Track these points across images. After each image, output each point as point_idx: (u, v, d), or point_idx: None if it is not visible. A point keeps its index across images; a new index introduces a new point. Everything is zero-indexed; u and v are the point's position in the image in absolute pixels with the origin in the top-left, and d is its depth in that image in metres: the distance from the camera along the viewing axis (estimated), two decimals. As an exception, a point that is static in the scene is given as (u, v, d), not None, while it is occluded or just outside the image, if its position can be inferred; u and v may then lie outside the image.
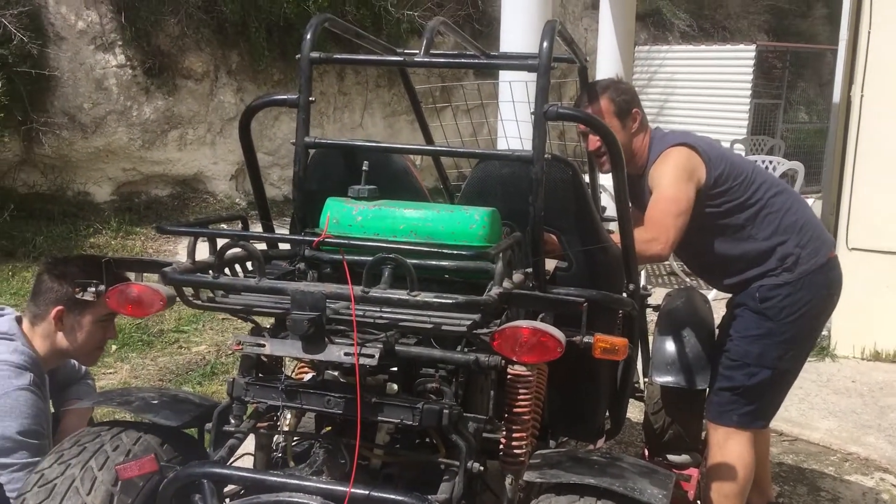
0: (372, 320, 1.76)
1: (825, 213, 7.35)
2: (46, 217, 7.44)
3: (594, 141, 2.71)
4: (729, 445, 2.79)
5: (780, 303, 2.74)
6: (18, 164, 7.54)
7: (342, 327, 1.83)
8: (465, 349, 1.90)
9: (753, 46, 10.99)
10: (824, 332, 5.08)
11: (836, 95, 8.42)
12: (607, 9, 8.40)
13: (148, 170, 8.37)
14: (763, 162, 6.20)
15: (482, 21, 10.32)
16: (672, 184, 2.64)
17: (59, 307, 2.38)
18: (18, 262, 6.58)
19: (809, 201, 6.34)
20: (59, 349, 2.42)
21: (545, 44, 1.96)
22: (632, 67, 9.42)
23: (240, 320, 2.07)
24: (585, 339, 1.77)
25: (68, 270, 2.37)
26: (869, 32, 5.09)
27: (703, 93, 10.78)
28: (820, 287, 2.78)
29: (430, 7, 9.71)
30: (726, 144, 9.00)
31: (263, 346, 1.75)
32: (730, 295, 2.95)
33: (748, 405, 2.78)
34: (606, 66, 8.55)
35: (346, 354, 1.67)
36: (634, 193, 2.77)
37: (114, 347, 4.95)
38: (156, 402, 2.01)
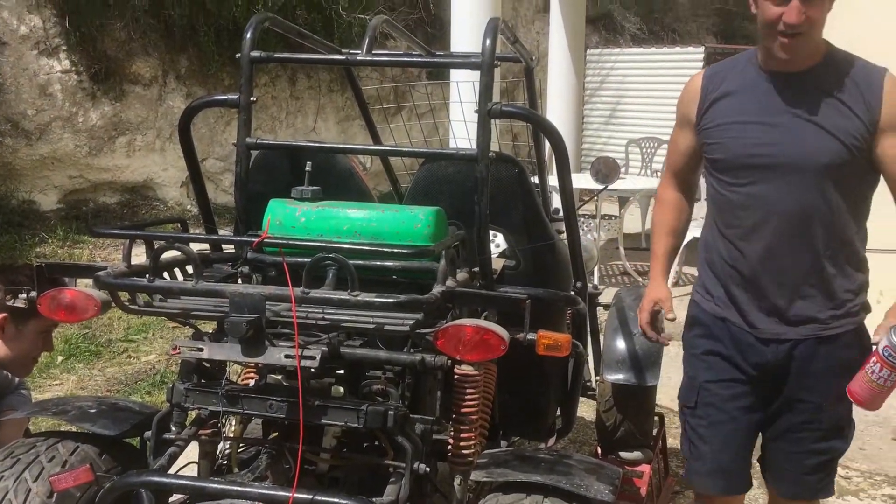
0: (314, 322, 1.73)
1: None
2: (-11, 226, 7.23)
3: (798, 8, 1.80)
4: None
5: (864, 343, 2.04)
6: (-41, 172, 7.33)
7: (284, 329, 1.80)
8: (412, 349, 1.89)
9: (702, 48, 11.16)
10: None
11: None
12: (557, 12, 8.48)
13: (95, 177, 8.19)
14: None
15: (434, 24, 10.31)
16: None
17: (3, 314, 2.32)
18: (-40, 273, 6.38)
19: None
20: None
21: (488, 41, 1.95)
22: (583, 70, 9.53)
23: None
24: (529, 336, 1.76)
25: (14, 279, 2.32)
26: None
27: (655, 94, 10.90)
28: None
29: (381, 10, 9.67)
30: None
31: (202, 350, 1.71)
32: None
33: (834, 472, 2.21)
34: (557, 68, 8.64)
35: (286, 357, 1.64)
36: (788, 96, 1.91)
37: (59, 358, 4.82)
38: (94, 411, 1.95)
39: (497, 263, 2.25)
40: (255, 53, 2.08)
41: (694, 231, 2.65)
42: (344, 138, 9.95)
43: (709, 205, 2.15)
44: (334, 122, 10.06)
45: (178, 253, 1.89)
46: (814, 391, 2.04)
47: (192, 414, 1.90)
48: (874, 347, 1.85)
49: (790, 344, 2.02)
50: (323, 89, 9.80)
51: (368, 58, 2.09)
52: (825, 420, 2.07)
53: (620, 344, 2.89)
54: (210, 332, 2.01)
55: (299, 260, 1.79)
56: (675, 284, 6.16)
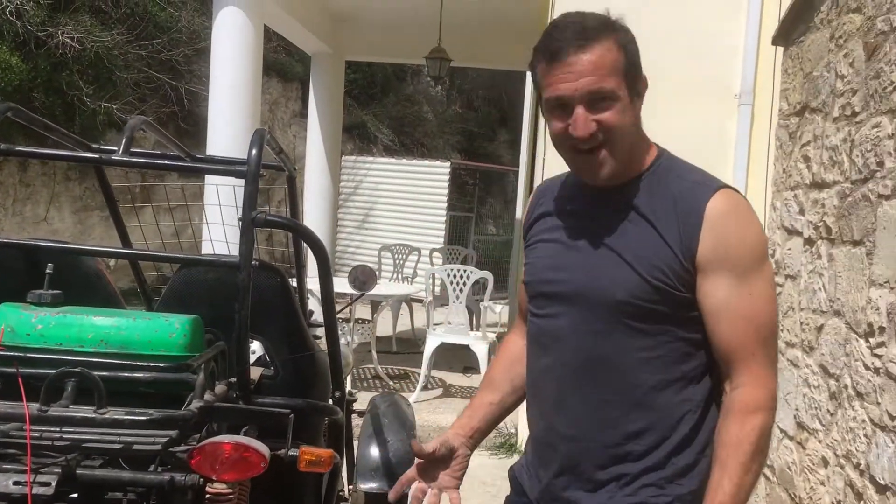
0: (50, 442, 1.56)
1: (511, 320, 8.04)
2: None
3: (585, 124, 1.39)
4: None
5: None
6: None
7: (10, 451, 1.60)
8: (160, 467, 1.76)
9: (448, 163, 11.96)
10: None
11: (518, 211, 9.39)
12: (315, 118, 8.71)
13: None
14: (458, 271, 6.66)
15: (188, 120, 10.10)
16: (771, 284, 1.47)
17: None
18: None
19: (497, 308, 6.89)
20: None
21: (254, 151, 1.97)
22: (339, 175, 9.78)
23: None
24: (291, 452, 1.73)
25: None
26: (544, 158, 5.80)
27: (406, 202, 11.44)
28: None
29: (130, 101, 9.32)
30: (426, 254, 9.61)
31: None
32: None
33: None
34: (314, 171, 8.80)
35: (15, 484, 1.46)
36: (594, 216, 1.51)
37: None
38: None
39: (254, 373, 2.20)
40: None
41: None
42: (81, 230, 9.27)
43: None
44: (70, 213, 9.35)
45: None
46: None
47: None
48: None
49: None
50: (58, 177, 9.12)
51: (125, 158, 2.01)
52: None
53: (374, 452, 2.90)
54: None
55: (34, 372, 1.63)
56: (424, 388, 6.33)
